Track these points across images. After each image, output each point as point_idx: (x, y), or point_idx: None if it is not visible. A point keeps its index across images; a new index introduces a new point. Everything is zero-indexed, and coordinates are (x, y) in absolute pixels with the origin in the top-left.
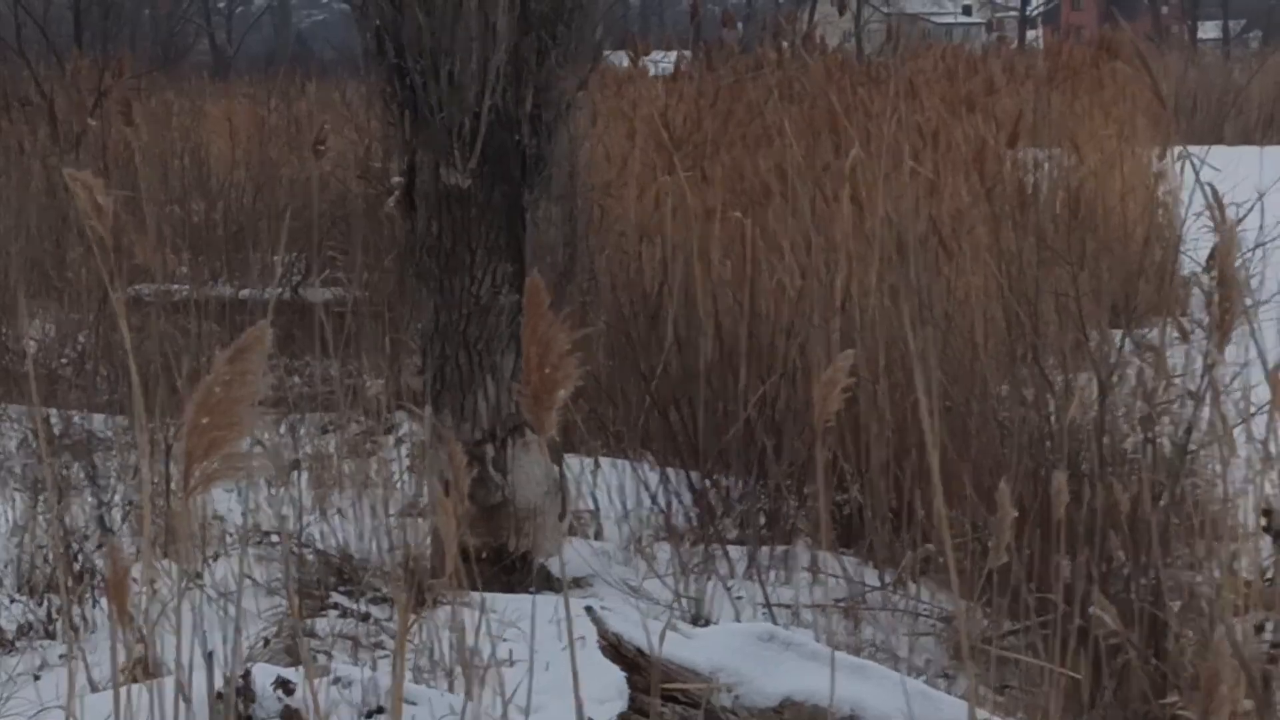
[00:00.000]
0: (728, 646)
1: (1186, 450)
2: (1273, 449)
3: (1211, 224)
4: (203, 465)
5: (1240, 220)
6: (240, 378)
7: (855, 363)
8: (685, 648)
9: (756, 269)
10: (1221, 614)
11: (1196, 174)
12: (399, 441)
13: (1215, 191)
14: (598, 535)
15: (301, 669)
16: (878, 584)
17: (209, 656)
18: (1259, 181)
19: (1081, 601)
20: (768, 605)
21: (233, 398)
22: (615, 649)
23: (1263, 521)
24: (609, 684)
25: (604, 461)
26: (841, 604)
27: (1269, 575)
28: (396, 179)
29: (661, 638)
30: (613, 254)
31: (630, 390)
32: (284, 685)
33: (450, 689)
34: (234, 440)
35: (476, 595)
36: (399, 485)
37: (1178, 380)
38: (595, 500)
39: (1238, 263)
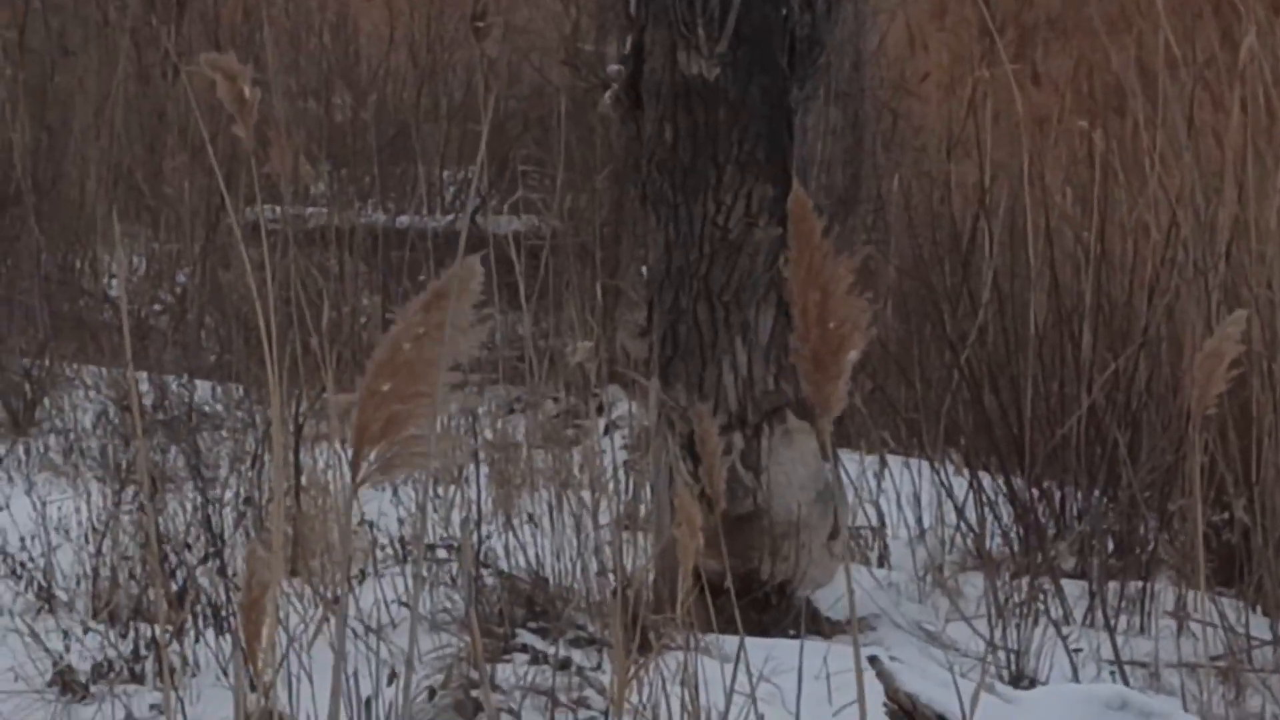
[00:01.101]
0: (1063, 716)
1: None
2: None
3: None
4: (380, 447)
5: None
6: (436, 332)
7: (1247, 330)
8: (1005, 716)
9: (1109, 200)
10: None
11: None
12: (611, 426)
13: None
14: (882, 561)
15: None
16: (1270, 637)
17: (365, 707)
18: None
19: None
20: (1118, 662)
21: (425, 358)
22: (909, 716)
23: None
24: None
25: (892, 461)
26: (1219, 663)
27: None
28: (615, 67)
29: (974, 702)
30: (909, 175)
31: (930, 364)
32: None
33: None
34: (422, 416)
35: (717, 639)
36: (610, 486)
37: None
38: (880, 513)
39: None
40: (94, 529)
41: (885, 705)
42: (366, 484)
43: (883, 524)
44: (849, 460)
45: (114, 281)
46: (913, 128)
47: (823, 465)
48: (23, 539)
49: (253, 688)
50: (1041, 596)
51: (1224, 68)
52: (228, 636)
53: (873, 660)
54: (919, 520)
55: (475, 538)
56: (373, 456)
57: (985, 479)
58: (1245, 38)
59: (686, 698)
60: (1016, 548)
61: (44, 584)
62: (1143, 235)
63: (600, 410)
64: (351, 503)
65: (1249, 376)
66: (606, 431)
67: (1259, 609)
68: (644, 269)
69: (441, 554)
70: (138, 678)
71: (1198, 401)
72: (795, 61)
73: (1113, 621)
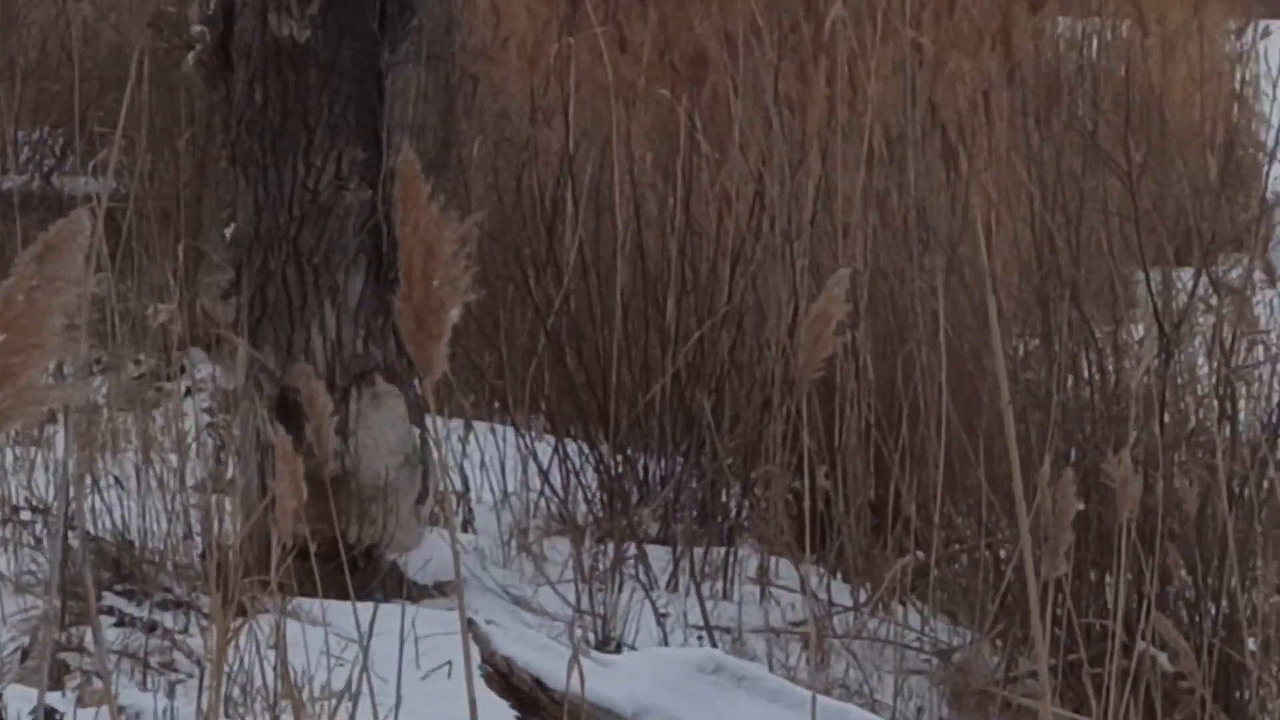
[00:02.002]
0: (658, 680)
1: (1279, 432)
2: None
3: None
4: None
5: None
6: (49, 284)
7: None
8: (601, 680)
9: (693, 169)
10: None
11: None
12: (194, 389)
13: None
14: (467, 525)
15: (72, 694)
16: (851, 604)
17: None
18: None
19: (1127, 634)
20: (707, 627)
21: (38, 310)
22: (505, 679)
23: None
24: None
25: (478, 426)
26: (802, 629)
27: None
28: (198, 28)
29: (573, 664)
30: (492, 141)
31: (516, 330)
32: (49, 717)
33: None
34: (35, 366)
35: (307, 603)
36: (194, 449)
37: (1269, 337)
38: (465, 478)
39: None
40: None
41: (482, 668)
42: None
43: (467, 489)
44: (435, 425)
45: None
46: (494, 93)
47: (411, 429)
48: None
49: None
50: (626, 562)
51: (808, 38)
52: None
53: (471, 624)
54: (504, 485)
55: (61, 499)
56: None
57: (570, 445)
58: (831, 8)
59: (277, 662)
60: (601, 513)
61: None
62: (727, 205)
63: (182, 372)
64: None
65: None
66: (189, 394)
67: (840, 575)
68: (226, 232)
69: (26, 515)
70: None
71: (804, 366)
72: (386, 24)
73: (700, 587)
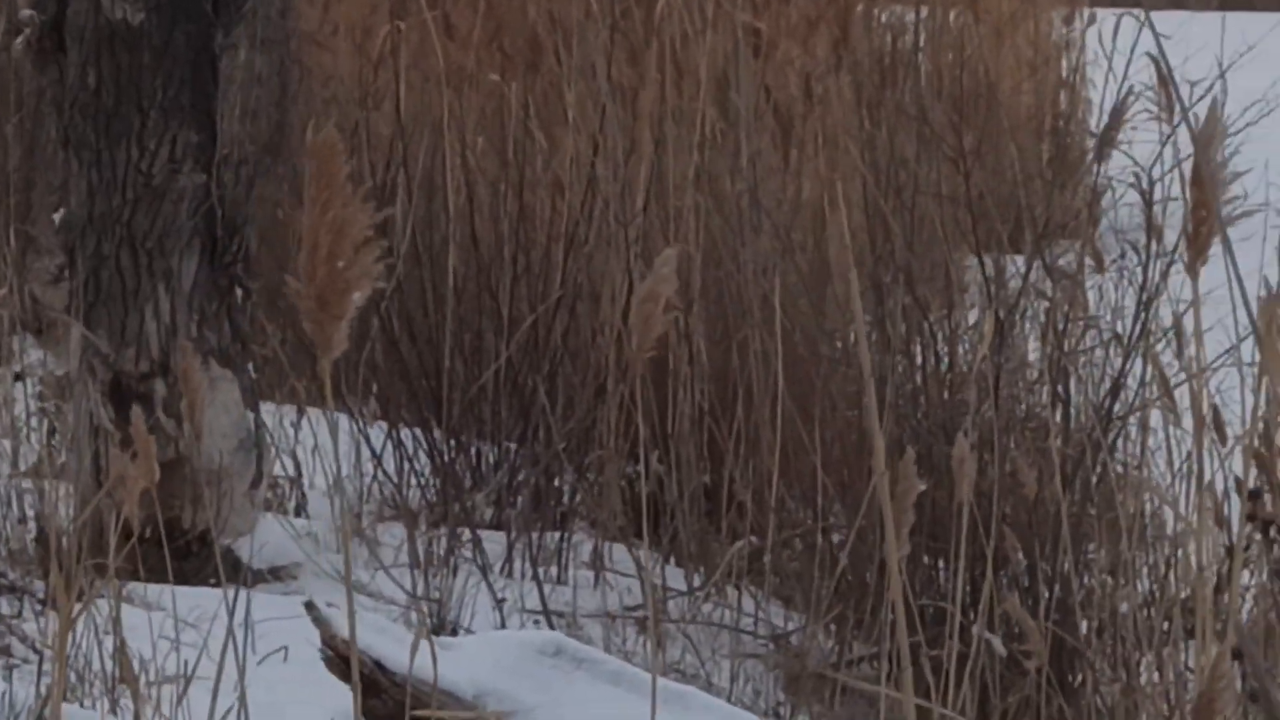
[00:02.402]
0: (499, 663)
1: (1111, 416)
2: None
3: (1158, 110)
4: None
5: (1196, 103)
6: None
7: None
8: (442, 663)
9: (525, 154)
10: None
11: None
12: (21, 375)
13: (1164, 64)
14: (299, 511)
15: None
16: (685, 588)
17: None
18: (1219, 53)
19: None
20: (545, 611)
21: None
22: (346, 662)
23: (1247, 508)
24: (331, 708)
25: (311, 411)
26: (636, 613)
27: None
28: (27, 12)
29: (414, 649)
30: (323, 127)
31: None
32: None
33: (114, 711)
34: None
35: (143, 587)
36: (25, 433)
37: (1100, 321)
38: (297, 463)
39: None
40: None
41: (322, 651)
42: None
43: (300, 474)
44: (268, 410)
45: None
46: (324, 79)
47: (245, 414)
48: None
49: None
50: (461, 547)
51: (639, 22)
52: None
53: (309, 606)
54: (337, 470)
55: None
56: None
57: (404, 430)
58: None
59: (115, 646)
60: (435, 499)
61: None
62: (560, 189)
63: (11, 357)
64: None
65: (665, 331)
66: (19, 379)
67: (675, 560)
68: (61, 214)
69: None
70: None
71: (637, 347)
72: (220, 8)
73: (538, 571)
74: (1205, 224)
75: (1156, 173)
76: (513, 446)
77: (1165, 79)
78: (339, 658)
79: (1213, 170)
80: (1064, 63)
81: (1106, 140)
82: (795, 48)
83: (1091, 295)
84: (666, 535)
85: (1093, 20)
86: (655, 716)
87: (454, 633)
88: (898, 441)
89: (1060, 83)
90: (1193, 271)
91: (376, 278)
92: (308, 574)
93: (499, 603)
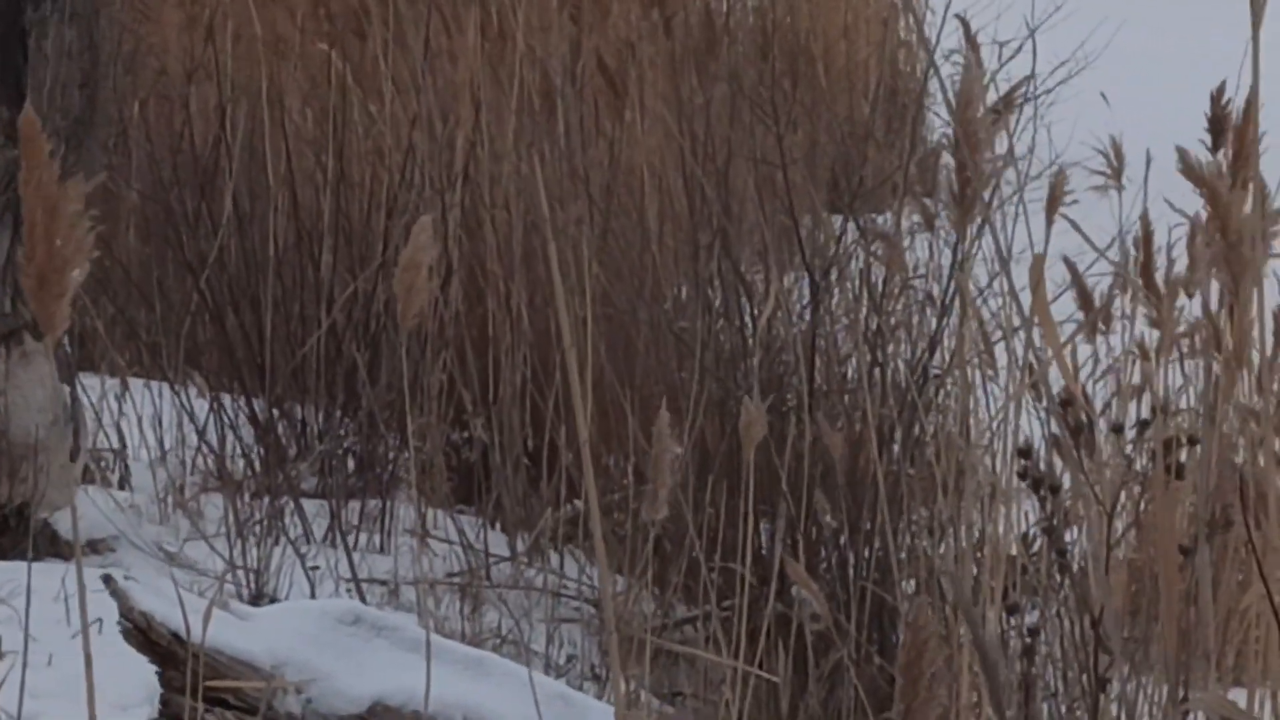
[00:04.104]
0: (298, 632)
1: (927, 376)
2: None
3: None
4: None
5: (1003, 65)
6: None
7: (483, 253)
8: (240, 634)
9: (348, 122)
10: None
11: None
12: None
13: (968, 26)
14: (123, 483)
15: None
16: (507, 553)
17: None
18: (1029, 15)
19: (780, 579)
20: (354, 580)
21: None
22: (144, 634)
23: (1019, 465)
24: (136, 682)
25: (134, 383)
26: (457, 579)
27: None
28: None
29: (206, 619)
30: (149, 99)
31: (172, 286)
32: None
33: None
34: None
35: None
36: None
37: (917, 282)
38: (121, 435)
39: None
40: None
41: (120, 624)
42: None
43: (123, 446)
44: (91, 383)
45: None
46: (153, 50)
47: (61, 387)
48: None
49: None
50: (282, 516)
51: None
52: None
53: (107, 580)
54: (161, 442)
55: None
56: None
57: (227, 400)
58: None
59: None
60: (258, 468)
61: None
62: (380, 158)
63: None
64: None
65: (485, 298)
66: None
67: (498, 526)
68: None
69: None
70: None
71: (403, 315)
72: None
73: (353, 540)
74: (968, 185)
75: None
76: (337, 415)
77: (973, 40)
78: (138, 629)
79: (972, 129)
80: (902, 22)
81: (918, 103)
82: (619, 10)
83: (920, 255)
84: (490, 501)
85: None
86: (444, 678)
87: (272, 602)
88: (720, 404)
89: (897, 44)
90: (961, 230)
91: (91, 252)
92: (126, 546)
93: (311, 571)
